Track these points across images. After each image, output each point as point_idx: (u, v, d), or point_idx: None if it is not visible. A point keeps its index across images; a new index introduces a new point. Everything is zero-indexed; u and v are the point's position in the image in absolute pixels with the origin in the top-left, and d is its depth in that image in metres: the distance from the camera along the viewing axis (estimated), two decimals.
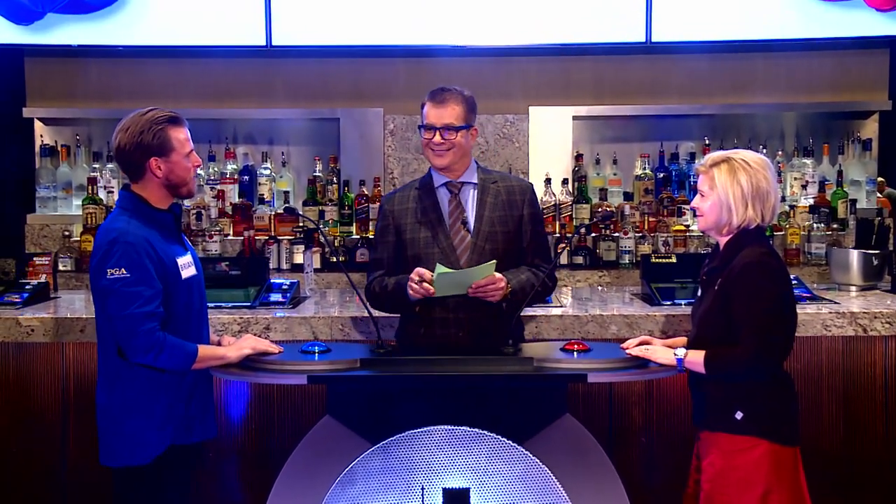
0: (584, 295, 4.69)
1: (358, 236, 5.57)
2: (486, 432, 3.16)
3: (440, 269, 3.39)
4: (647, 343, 3.33)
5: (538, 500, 3.16)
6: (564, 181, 5.67)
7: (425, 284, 3.41)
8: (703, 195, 3.20)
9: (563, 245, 5.35)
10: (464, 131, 3.58)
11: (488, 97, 5.83)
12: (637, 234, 5.49)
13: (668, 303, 4.23)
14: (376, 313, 3.61)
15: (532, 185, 3.82)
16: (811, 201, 5.68)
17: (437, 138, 3.57)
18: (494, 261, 3.45)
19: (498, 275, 3.45)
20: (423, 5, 5.71)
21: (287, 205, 5.60)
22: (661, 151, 5.93)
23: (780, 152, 5.88)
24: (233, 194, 5.79)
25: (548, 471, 3.16)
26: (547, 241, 3.80)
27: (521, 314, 3.68)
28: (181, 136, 3.22)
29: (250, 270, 4.51)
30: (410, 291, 3.46)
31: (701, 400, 3.22)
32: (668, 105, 5.92)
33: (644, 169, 5.83)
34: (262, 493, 3.45)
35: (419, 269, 3.45)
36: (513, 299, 3.51)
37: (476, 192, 3.66)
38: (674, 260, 4.59)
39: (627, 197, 5.74)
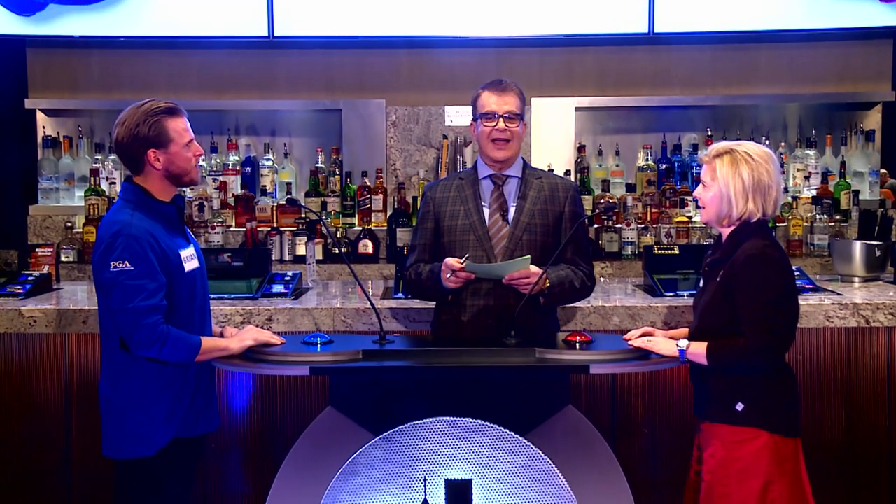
0: None
1: (360, 227, 5.57)
2: (488, 424, 3.17)
3: (468, 263, 3.40)
4: (650, 334, 3.32)
5: (540, 491, 3.17)
6: (567, 172, 5.67)
7: (460, 273, 3.43)
8: (704, 185, 3.20)
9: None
10: (522, 122, 3.61)
11: None
12: (639, 226, 5.49)
13: (671, 294, 4.22)
14: (378, 305, 3.61)
15: (576, 184, 3.83)
16: (814, 192, 5.67)
17: (502, 125, 3.56)
18: (529, 255, 3.45)
19: (534, 268, 3.45)
20: None
21: (289, 196, 5.60)
22: (663, 143, 5.92)
23: (782, 143, 5.88)
24: (235, 185, 5.79)
25: (550, 462, 3.16)
26: (587, 241, 3.79)
27: (555, 311, 3.71)
28: (179, 126, 3.19)
29: (252, 262, 4.51)
30: (450, 285, 3.47)
31: (702, 391, 3.22)
32: (671, 96, 5.91)
33: (647, 160, 5.83)
34: (264, 484, 3.47)
35: (448, 261, 3.45)
36: (550, 294, 3.51)
37: (519, 184, 3.67)
38: (676, 251, 4.59)
39: (630, 188, 5.74)
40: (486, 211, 3.64)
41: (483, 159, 3.69)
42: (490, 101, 3.57)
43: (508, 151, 3.61)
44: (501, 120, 3.56)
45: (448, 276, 3.44)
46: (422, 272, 3.62)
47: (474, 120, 3.65)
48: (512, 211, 3.64)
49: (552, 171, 5.59)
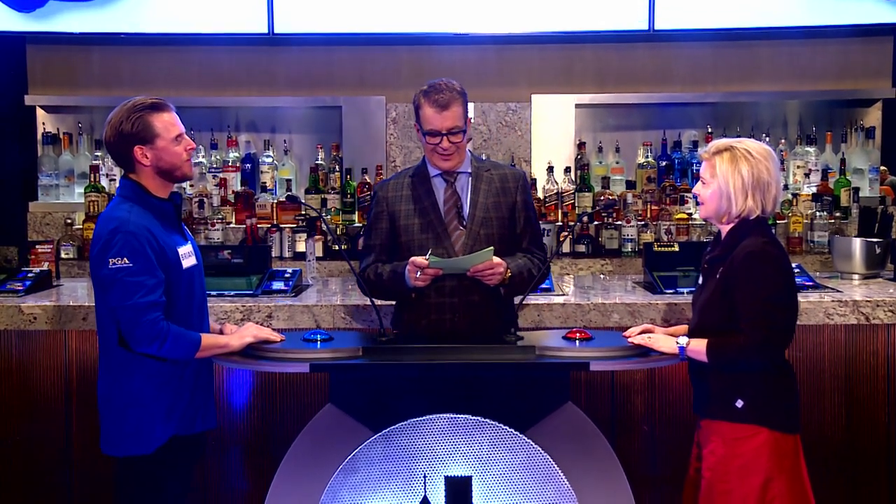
0: (586, 283, 4.69)
1: (360, 224, 5.57)
2: (488, 420, 3.17)
3: (433, 258, 3.41)
4: (649, 331, 3.33)
5: (540, 488, 3.17)
6: (567, 169, 5.66)
7: (428, 270, 3.42)
8: (704, 182, 3.20)
9: (566, 233, 5.35)
10: (467, 127, 3.59)
11: (490, 85, 5.83)
12: (639, 223, 5.48)
13: (671, 291, 4.22)
14: (378, 301, 3.61)
15: (524, 172, 3.84)
16: (814, 189, 5.67)
17: (446, 143, 3.54)
18: (492, 247, 3.45)
19: (497, 259, 3.46)
20: None
21: (289, 193, 5.60)
22: (663, 140, 5.92)
23: (782, 140, 5.87)
24: (235, 182, 5.78)
25: (550, 459, 3.16)
26: (539, 228, 3.81)
27: (512, 301, 3.69)
28: (165, 120, 3.17)
29: (252, 258, 4.51)
30: (418, 283, 3.46)
31: (702, 388, 3.23)
32: (671, 93, 5.91)
33: (647, 157, 5.82)
34: (264, 481, 3.47)
35: (414, 260, 3.44)
36: (510, 284, 3.51)
37: (471, 180, 3.66)
38: (676, 248, 4.59)
39: (630, 185, 5.73)
40: (442, 209, 3.64)
41: (430, 163, 3.68)
42: (433, 118, 3.51)
43: (454, 161, 3.61)
44: (445, 139, 3.54)
45: (417, 274, 3.44)
46: (382, 272, 3.61)
47: (417, 123, 3.61)
48: (466, 207, 3.64)
49: (552, 168, 5.64)
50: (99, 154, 5.77)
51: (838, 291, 4.18)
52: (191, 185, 5.56)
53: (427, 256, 3.41)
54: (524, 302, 3.68)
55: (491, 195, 3.65)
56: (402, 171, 3.82)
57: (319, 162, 5.75)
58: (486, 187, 3.65)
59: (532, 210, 3.75)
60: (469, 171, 3.67)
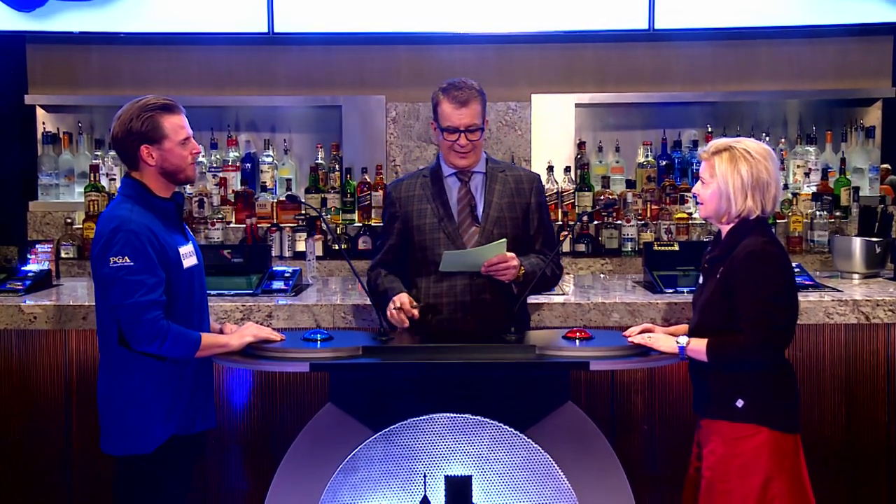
0: (586, 283, 4.69)
1: (360, 224, 5.57)
2: (488, 420, 3.17)
3: (446, 253, 3.42)
4: (649, 331, 3.33)
5: (540, 487, 3.17)
6: (567, 169, 5.66)
7: (402, 315, 3.43)
8: (703, 182, 3.20)
9: (566, 233, 5.35)
10: (484, 125, 3.59)
11: (490, 85, 5.73)
12: (639, 222, 5.48)
13: (671, 290, 4.22)
14: None
15: (539, 175, 3.83)
16: (814, 189, 5.67)
17: (463, 140, 3.55)
18: (504, 239, 3.45)
19: (510, 254, 3.46)
20: None
21: (289, 192, 5.60)
22: (663, 139, 5.92)
23: (782, 140, 5.87)
24: (235, 182, 5.79)
25: (550, 458, 3.17)
26: (553, 231, 3.81)
27: (525, 302, 3.69)
28: (174, 122, 3.17)
29: (252, 258, 4.51)
30: (390, 315, 3.47)
31: (702, 387, 3.22)
32: (671, 92, 5.91)
33: (647, 156, 5.82)
34: (264, 481, 3.47)
35: (399, 297, 3.46)
36: (524, 281, 3.51)
37: (485, 180, 3.66)
38: (676, 248, 4.58)
39: (630, 185, 5.73)
40: (455, 208, 3.64)
41: (446, 161, 3.69)
42: (452, 115, 3.52)
43: (470, 159, 3.62)
44: (463, 136, 3.54)
45: (395, 307, 3.44)
46: (380, 283, 3.62)
47: (434, 121, 3.62)
48: (480, 206, 3.64)
49: (552, 167, 5.64)
50: (99, 153, 5.78)
51: (838, 291, 4.18)
52: (191, 185, 5.56)
53: (417, 308, 3.45)
54: (526, 301, 3.68)
55: (505, 195, 3.65)
56: (416, 171, 3.82)
57: (319, 161, 5.75)
58: (500, 188, 3.65)
59: (546, 213, 3.75)
60: (483, 171, 3.67)
